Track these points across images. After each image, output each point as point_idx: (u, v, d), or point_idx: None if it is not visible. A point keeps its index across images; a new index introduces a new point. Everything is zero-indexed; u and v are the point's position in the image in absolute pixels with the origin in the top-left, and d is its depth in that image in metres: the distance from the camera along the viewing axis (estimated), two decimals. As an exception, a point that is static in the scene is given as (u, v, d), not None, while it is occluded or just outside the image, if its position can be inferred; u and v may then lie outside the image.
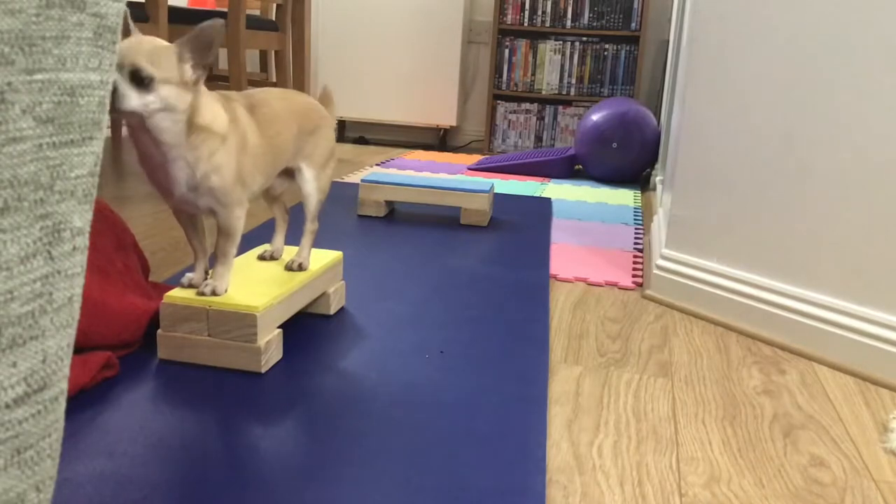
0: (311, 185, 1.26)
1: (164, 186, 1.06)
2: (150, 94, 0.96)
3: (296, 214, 1.34)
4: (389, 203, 2.19)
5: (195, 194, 1.06)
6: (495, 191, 2.68)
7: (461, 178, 2.87)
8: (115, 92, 0.92)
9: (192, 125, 1.02)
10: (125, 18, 0.92)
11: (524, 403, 1.05)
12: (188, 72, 0.99)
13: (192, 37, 0.98)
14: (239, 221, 1.11)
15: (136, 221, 1.98)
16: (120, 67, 0.93)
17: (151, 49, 0.96)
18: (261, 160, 1.13)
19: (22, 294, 0.35)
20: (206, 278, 1.14)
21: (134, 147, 1.04)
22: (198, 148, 1.03)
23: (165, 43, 0.99)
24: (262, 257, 1.30)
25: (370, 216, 2.14)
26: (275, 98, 1.20)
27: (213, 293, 1.10)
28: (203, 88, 1.04)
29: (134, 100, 0.95)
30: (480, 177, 3.01)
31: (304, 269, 1.25)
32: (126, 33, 0.99)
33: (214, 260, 1.13)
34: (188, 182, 1.05)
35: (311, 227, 1.29)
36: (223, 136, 1.06)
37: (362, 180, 2.17)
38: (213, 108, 1.05)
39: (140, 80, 0.94)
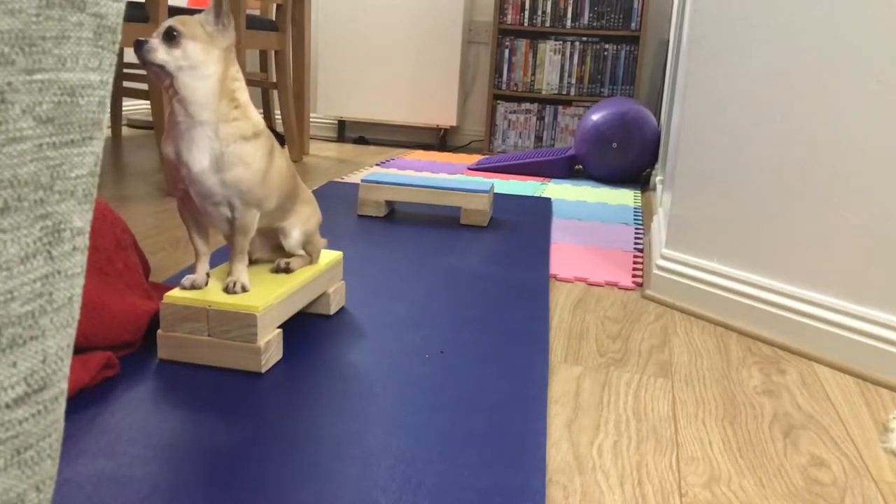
0: (296, 240, 1.26)
1: (185, 163, 1.08)
2: (177, 49, 1.05)
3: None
4: (389, 203, 2.19)
5: (219, 179, 1.08)
6: (495, 191, 2.68)
7: (461, 178, 2.87)
8: (147, 46, 1.06)
9: (224, 91, 1.08)
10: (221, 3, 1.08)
11: (524, 403, 1.05)
12: (213, 32, 1.08)
13: (212, 5, 1.09)
14: (255, 220, 1.15)
15: (136, 221, 1.98)
16: (158, 34, 1.06)
17: (182, 17, 1.09)
18: (280, 183, 1.18)
19: (22, 294, 0.35)
20: (207, 280, 1.14)
21: (167, 120, 1.10)
22: (229, 122, 1.08)
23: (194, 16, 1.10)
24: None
25: (370, 216, 2.14)
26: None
27: (244, 289, 1.12)
28: (238, 70, 1.12)
29: (161, 52, 1.05)
30: (480, 177, 3.01)
31: (290, 272, 1.23)
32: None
33: (230, 257, 1.16)
34: (212, 154, 1.07)
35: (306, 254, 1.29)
36: (256, 130, 1.11)
37: (362, 180, 2.17)
38: (249, 100, 1.12)
39: (170, 37, 1.05)
